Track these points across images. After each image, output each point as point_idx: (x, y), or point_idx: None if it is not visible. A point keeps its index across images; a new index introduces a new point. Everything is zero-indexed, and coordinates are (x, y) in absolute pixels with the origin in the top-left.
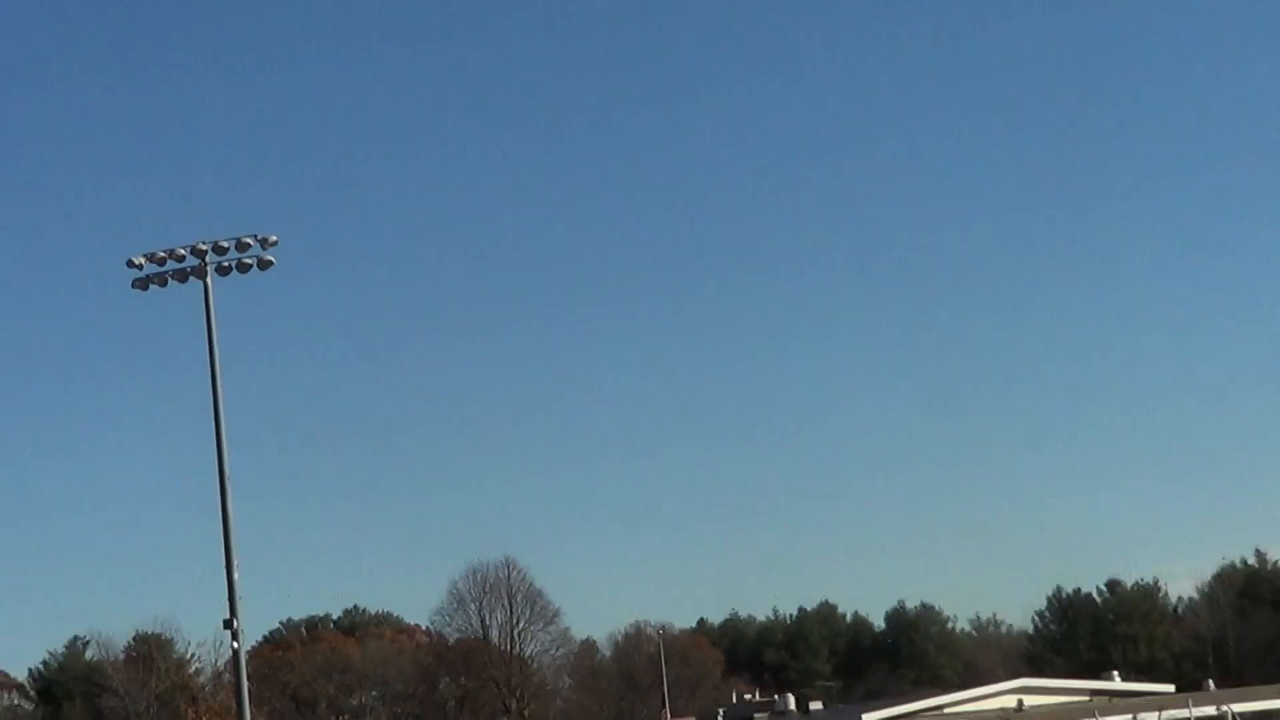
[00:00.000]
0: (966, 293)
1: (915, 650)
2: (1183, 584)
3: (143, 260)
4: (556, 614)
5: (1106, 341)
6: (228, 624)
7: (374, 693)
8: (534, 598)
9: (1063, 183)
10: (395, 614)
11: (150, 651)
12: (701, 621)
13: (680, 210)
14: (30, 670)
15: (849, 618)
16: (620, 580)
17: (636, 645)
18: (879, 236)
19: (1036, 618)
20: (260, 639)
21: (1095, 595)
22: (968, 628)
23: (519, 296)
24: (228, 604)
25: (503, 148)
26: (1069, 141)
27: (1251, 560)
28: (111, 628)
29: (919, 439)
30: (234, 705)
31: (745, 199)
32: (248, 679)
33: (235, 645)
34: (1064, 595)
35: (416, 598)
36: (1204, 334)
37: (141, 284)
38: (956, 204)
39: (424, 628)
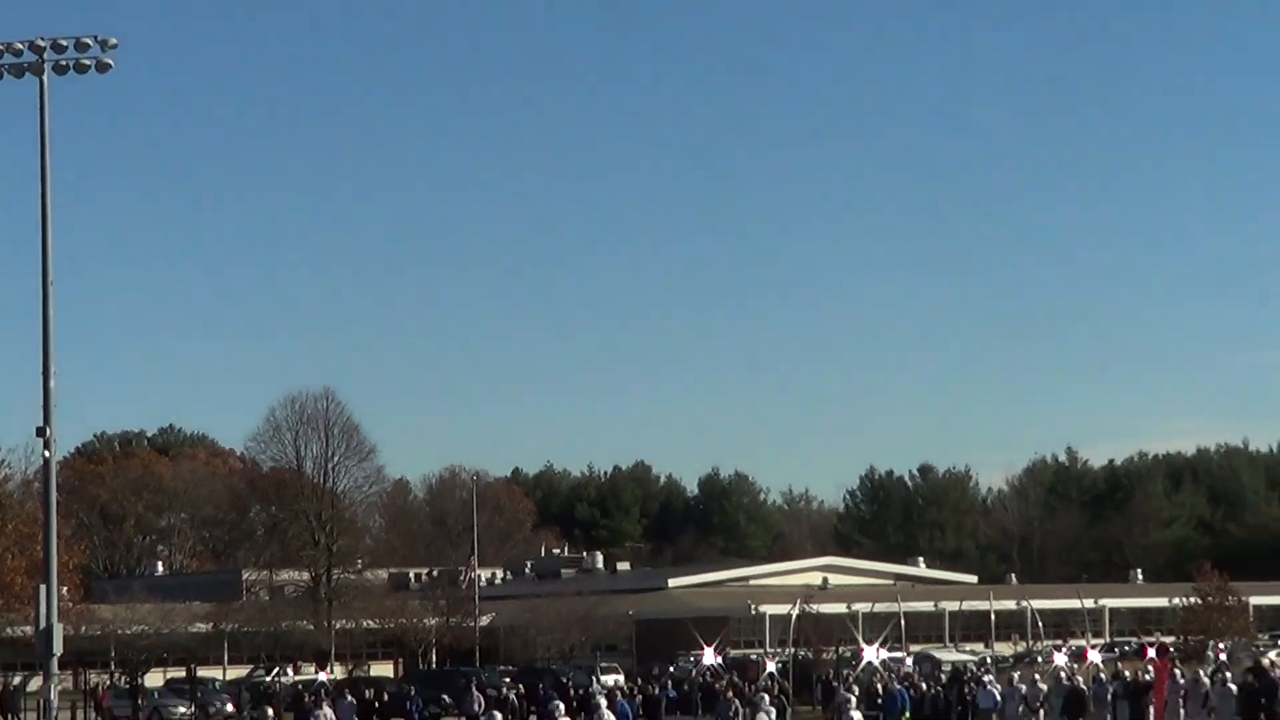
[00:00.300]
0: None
1: (726, 519)
2: (994, 476)
3: None
4: (372, 450)
5: (932, 228)
6: (40, 432)
7: (183, 515)
8: (350, 432)
9: None
10: (211, 437)
11: None
12: (516, 471)
13: None
14: None
15: (662, 480)
16: (438, 423)
17: (450, 489)
18: None
19: (848, 496)
20: (73, 450)
21: (907, 479)
22: (779, 500)
23: (362, 114)
24: (42, 411)
25: None
26: None
27: (1063, 458)
28: None
29: (743, 310)
30: (41, 515)
31: None
32: (57, 490)
33: (46, 454)
34: (876, 476)
35: (234, 422)
36: (1031, 226)
37: None
38: None
39: (239, 453)
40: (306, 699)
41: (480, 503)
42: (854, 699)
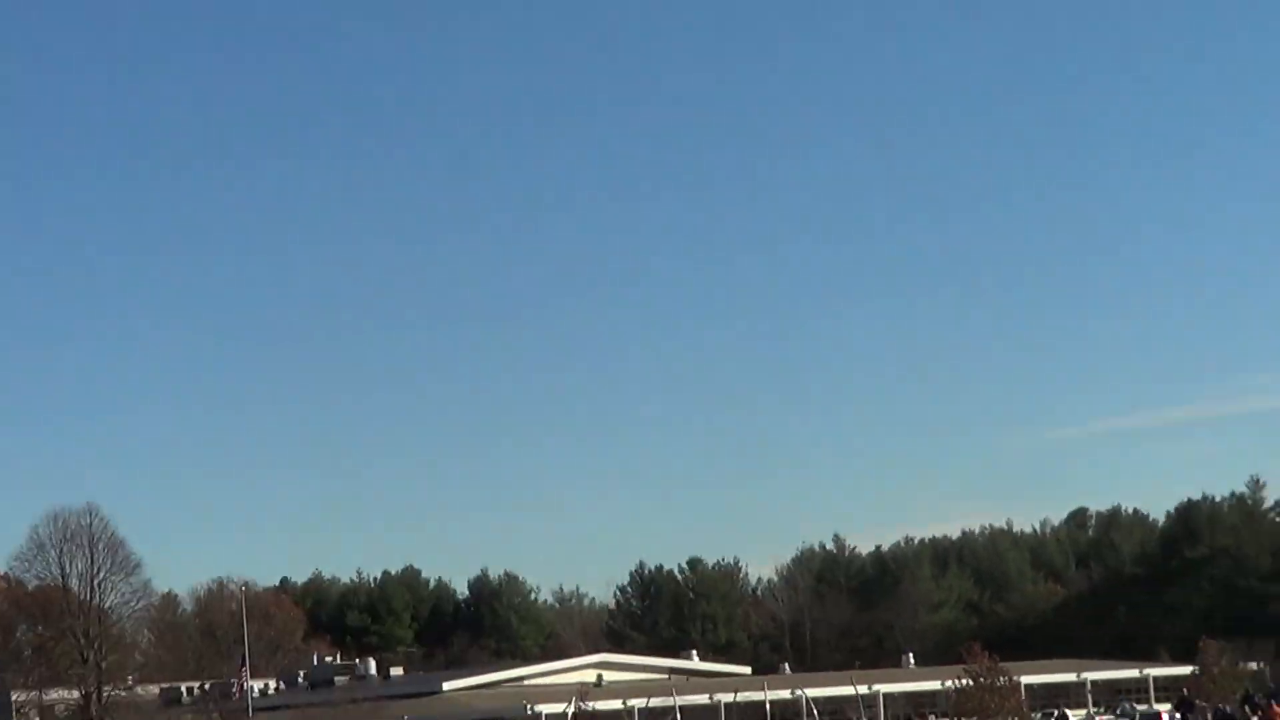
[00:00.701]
0: None
1: (498, 619)
2: (763, 566)
3: None
4: (138, 565)
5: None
6: None
7: None
8: (115, 547)
9: None
10: None
11: None
12: (284, 580)
13: None
14: None
15: (432, 583)
16: (204, 534)
17: (218, 600)
18: None
19: (618, 592)
20: None
21: (677, 572)
22: (550, 599)
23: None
24: None
25: None
26: None
27: (830, 546)
28: None
29: (503, 410)
30: None
31: None
32: None
33: None
34: (646, 571)
35: None
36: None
37: None
38: None
39: (1, 572)
40: None
41: (250, 613)
42: None
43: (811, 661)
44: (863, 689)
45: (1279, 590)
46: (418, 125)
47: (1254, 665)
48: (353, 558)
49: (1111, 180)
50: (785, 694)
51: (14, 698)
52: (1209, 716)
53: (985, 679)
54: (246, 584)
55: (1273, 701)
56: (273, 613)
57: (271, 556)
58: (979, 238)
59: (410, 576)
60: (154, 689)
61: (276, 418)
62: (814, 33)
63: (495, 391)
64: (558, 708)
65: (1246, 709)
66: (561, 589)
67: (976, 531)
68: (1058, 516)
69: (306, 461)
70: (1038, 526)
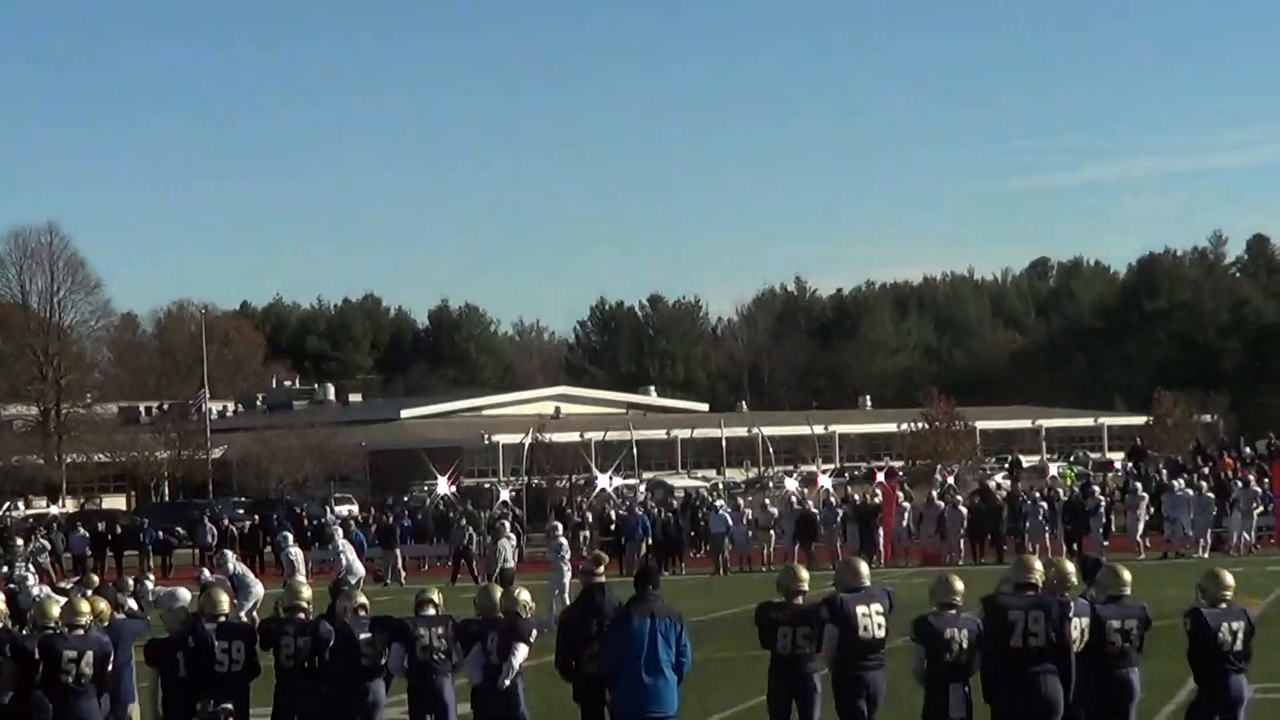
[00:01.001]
0: None
1: (457, 350)
2: (723, 305)
3: None
4: (98, 284)
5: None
6: None
7: None
8: (76, 266)
9: None
10: None
11: None
12: (245, 304)
13: None
14: None
15: (392, 312)
16: (165, 256)
17: (178, 323)
18: None
19: (578, 326)
20: None
21: (637, 309)
22: (510, 331)
23: None
24: None
25: None
26: None
27: (791, 287)
28: None
29: (470, 138)
30: None
31: None
32: None
33: None
34: (606, 306)
35: None
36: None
37: None
38: None
39: None
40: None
41: (209, 336)
42: (560, 527)
43: (769, 401)
44: (819, 429)
45: (1235, 345)
46: None
47: (1208, 418)
48: (314, 284)
49: None
50: (741, 432)
51: None
52: (1160, 466)
53: (941, 423)
54: (207, 306)
55: (1224, 453)
56: (232, 336)
57: (232, 280)
58: None
59: (371, 304)
60: (112, 408)
61: (240, 139)
62: None
63: (460, 122)
64: (515, 438)
65: (1198, 459)
66: (521, 321)
67: (938, 278)
68: (1019, 265)
69: (270, 185)
70: (999, 275)
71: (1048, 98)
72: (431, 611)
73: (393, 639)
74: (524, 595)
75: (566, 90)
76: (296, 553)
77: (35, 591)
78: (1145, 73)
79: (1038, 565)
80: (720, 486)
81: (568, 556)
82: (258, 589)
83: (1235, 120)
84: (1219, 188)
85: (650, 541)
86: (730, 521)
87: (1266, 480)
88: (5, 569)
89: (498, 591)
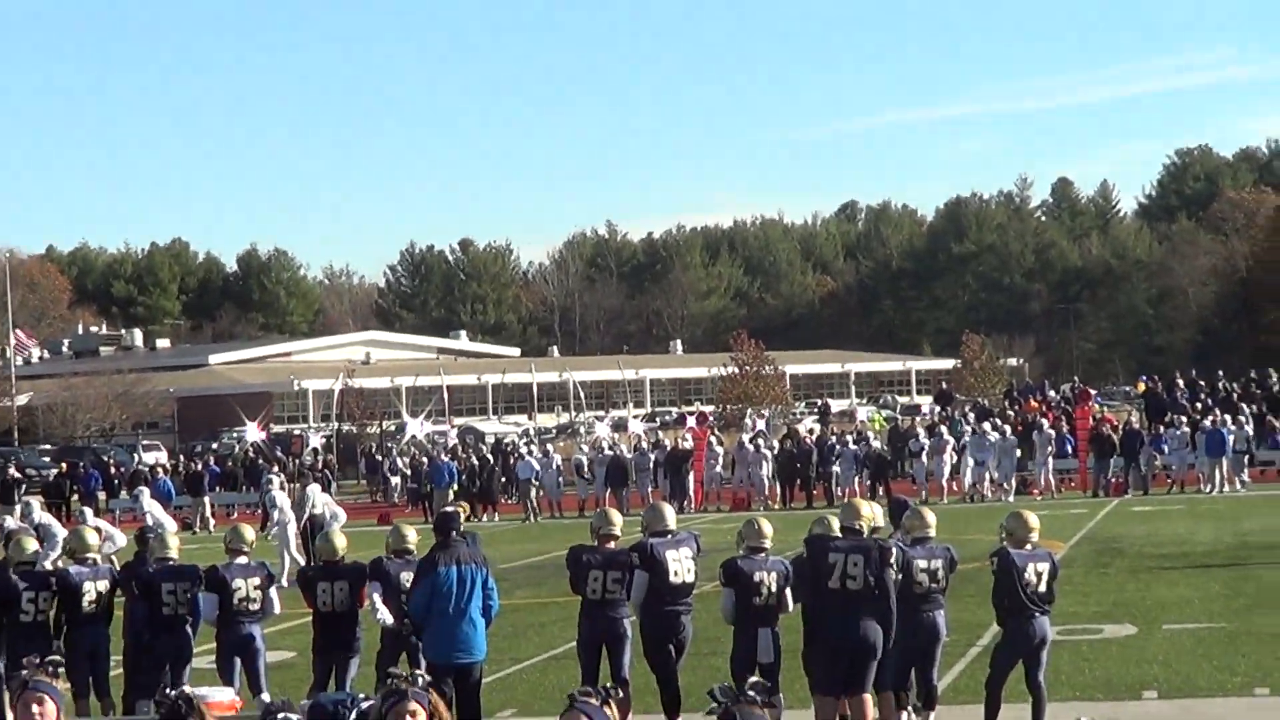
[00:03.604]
0: None
1: (266, 295)
2: (534, 250)
3: None
4: None
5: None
6: None
7: None
8: None
9: None
10: None
11: None
12: (50, 249)
13: None
14: None
15: (200, 256)
16: None
17: None
18: None
19: (388, 271)
20: None
21: (448, 253)
22: (320, 276)
23: None
24: None
25: None
26: None
27: (603, 231)
28: None
29: (282, 79)
30: None
31: None
32: None
33: None
34: (416, 250)
35: None
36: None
37: None
38: None
39: None
40: None
41: (13, 280)
42: (275, 480)
43: (580, 346)
44: (630, 374)
45: (1041, 288)
46: None
47: (1014, 361)
48: (120, 228)
49: None
50: (553, 377)
51: None
52: (967, 409)
53: (751, 367)
54: (11, 250)
55: (1029, 397)
56: (37, 280)
57: (36, 223)
58: None
59: (179, 248)
60: None
61: (43, 78)
62: None
63: (270, 63)
64: (325, 384)
65: (1006, 402)
66: (331, 266)
67: (748, 222)
68: (828, 209)
69: (75, 126)
70: (809, 219)
71: (853, 43)
72: (244, 560)
73: (207, 587)
74: (341, 541)
75: (375, 29)
76: (281, 495)
77: None
78: (952, 19)
79: (865, 510)
80: (531, 432)
81: (286, 506)
82: (63, 538)
83: (1040, 66)
84: (1024, 132)
85: (456, 487)
86: (538, 467)
87: (1069, 424)
88: None
89: (340, 538)
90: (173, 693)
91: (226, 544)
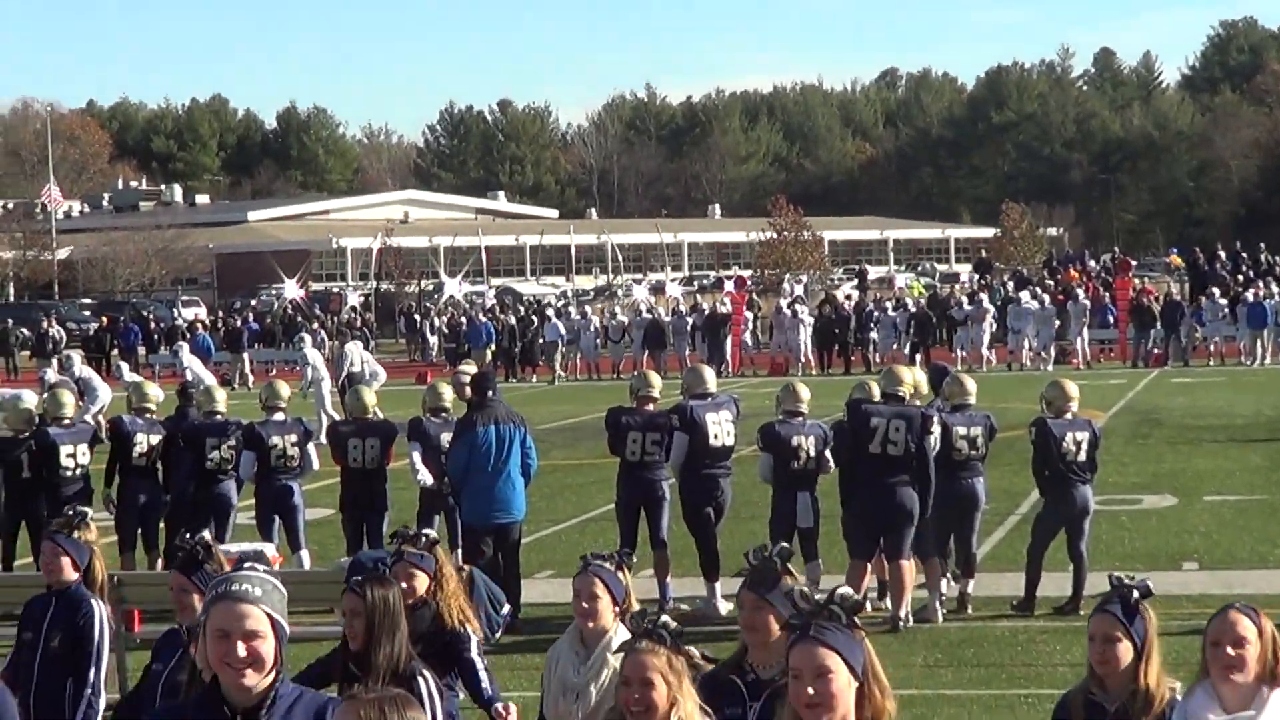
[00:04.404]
0: None
1: (305, 152)
2: (573, 111)
3: None
4: None
5: None
6: None
7: None
8: None
9: None
10: None
11: None
12: (91, 103)
13: None
14: None
15: (240, 113)
16: (7, 53)
17: (23, 121)
18: None
19: (427, 131)
20: None
21: (487, 114)
22: (359, 134)
23: None
24: None
25: None
26: None
27: (642, 94)
28: None
29: None
30: None
31: None
32: None
33: None
34: (455, 110)
35: None
36: None
37: None
38: None
39: None
40: None
41: (55, 134)
42: (309, 339)
43: (618, 208)
44: (668, 237)
45: (1081, 158)
46: None
47: (1054, 231)
48: (160, 83)
49: None
50: (591, 239)
51: None
52: (1006, 278)
53: (789, 232)
54: (52, 105)
55: (1069, 266)
56: (78, 135)
57: (77, 78)
58: None
59: (218, 105)
60: None
61: None
62: None
63: None
64: (363, 242)
65: (1045, 272)
66: (370, 125)
67: (788, 87)
68: (868, 76)
69: None
70: (848, 85)
71: None
72: (280, 417)
73: (244, 444)
74: (371, 398)
75: None
76: (313, 353)
77: None
78: None
79: (906, 376)
80: (569, 294)
81: (320, 364)
82: (104, 392)
83: None
84: (1067, 1)
85: (494, 348)
86: (564, 330)
87: (1110, 294)
88: None
89: (370, 394)
90: (192, 538)
91: (262, 401)
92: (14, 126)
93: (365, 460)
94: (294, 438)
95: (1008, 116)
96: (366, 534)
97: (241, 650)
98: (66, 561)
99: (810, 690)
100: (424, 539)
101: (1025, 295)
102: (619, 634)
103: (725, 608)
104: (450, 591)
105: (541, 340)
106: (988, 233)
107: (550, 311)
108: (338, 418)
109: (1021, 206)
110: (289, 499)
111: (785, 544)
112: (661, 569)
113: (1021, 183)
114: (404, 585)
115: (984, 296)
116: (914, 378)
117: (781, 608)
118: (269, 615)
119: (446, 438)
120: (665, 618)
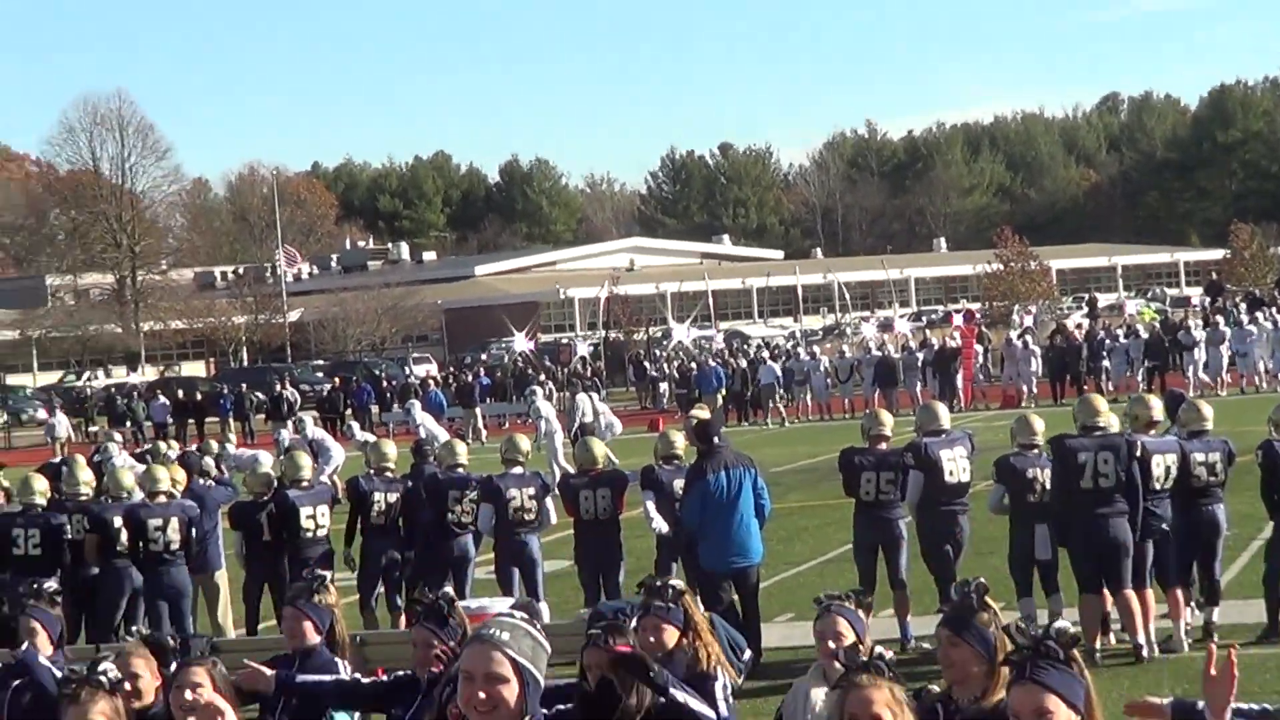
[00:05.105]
0: None
1: (529, 204)
2: (793, 151)
3: None
4: (169, 149)
5: None
6: None
7: None
8: (146, 131)
9: None
10: (3, 143)
11: None
12: (315, 165)
13: None
14: None
15: (463, 168)
16: (234, 119)
17: (249, 185)
18: None
19: (649, 177)
20: None
21: (708, 157)
22: (581, 184)
23: None
24: None
25: None
26: None
27: (862, 131)
28: None
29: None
30: None
31: None
32: None
33: None
34: (677, 156)
35: (26, 126)
36: None
37: None
38: None
39: (34, 157)
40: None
41: (281, 198)
42: (539, 391)
43: (843, 246)
44: (894, 273)
45: None
46: None
47: None
48: (383, 143)
49: None
50: (817, 278)
51: (49, 281)
52: (1239, 300)
53: (1016, 263)
54: (278, 168)
55: None
56: (304, 197)
57: (302, 141)
58: None
59: (441, 161)
60: (188, 274)
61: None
62: None
63: None
64: (590, 291)
65: (1276, 293)
66: (592, 174)
67: (1009, 116)
68: (1089, 101)
69: (336, 45)
70: (1070, 111)
71: None
72: (519, 470)
73: (483, 498)
74: (601, 448)
75: None
76: (545, 405)
77: (117, 461)
78: None
79: (1103, 406)
80: (797, 335)
81: (552, 416)
82: (338, 452)
83: None
84: None
85: (725, 392)
86: (778, 372)
87: None
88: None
89: (599, 445)
90: (433, 593)
91: (502, 454)
92: (241, 191)
93: (598, 511)
94: (532, 491)
95: (1233, 135)
96: (604, 585)
97: (482, 694)
98: (309, 626)
99: None
100: (670, 590)
101: (1259, 316)
102: None
103: None
104: (706, 639)
105: (757, 384)
106: (1217, 254)
107: (765, 354)
108: (571, 470)
109: (1251, 226)
110: (528, 552)
111: (982, 579)
112: (901, 608)
113: (1250, 202)
114: (651, 639)
115: (1220, 320)
116: (1148, 405)
117: (976, 644)
118: (514, 661)
119: (679, 485)
120: (879, 648)
